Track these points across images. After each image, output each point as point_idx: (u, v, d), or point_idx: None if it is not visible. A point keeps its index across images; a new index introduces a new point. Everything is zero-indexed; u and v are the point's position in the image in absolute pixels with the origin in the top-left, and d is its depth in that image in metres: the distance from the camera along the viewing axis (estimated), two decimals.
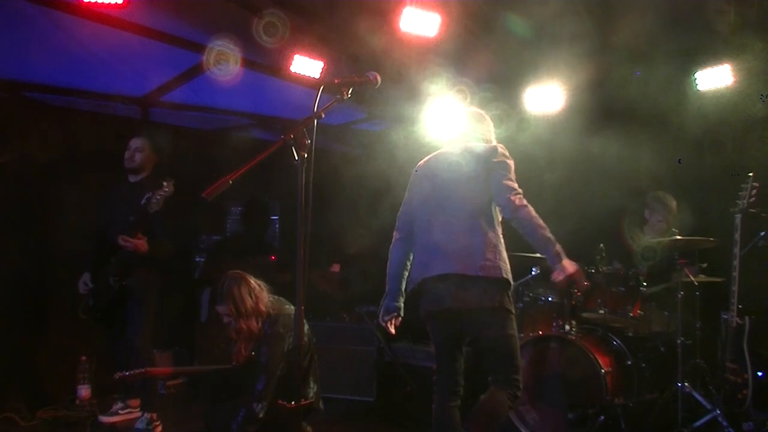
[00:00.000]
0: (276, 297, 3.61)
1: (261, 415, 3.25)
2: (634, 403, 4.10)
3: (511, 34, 4.35)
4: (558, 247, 2.99)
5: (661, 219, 4.67)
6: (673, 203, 4.68)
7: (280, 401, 3.31)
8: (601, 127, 4.94)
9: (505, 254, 3.09)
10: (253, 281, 3.51)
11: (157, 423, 4.32)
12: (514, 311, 3.11)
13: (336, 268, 6.01)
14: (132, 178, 4.53)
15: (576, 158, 5.12)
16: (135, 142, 4.49)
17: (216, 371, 3.84)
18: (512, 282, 3.10)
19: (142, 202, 4.13)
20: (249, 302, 3.42)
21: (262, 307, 3.46)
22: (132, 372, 3.67)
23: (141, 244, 4.18)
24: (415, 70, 4.92)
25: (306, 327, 3.53)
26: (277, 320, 3.45)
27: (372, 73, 2.59)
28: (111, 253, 4.30)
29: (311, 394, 3.55)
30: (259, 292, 3.49)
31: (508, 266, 3.08)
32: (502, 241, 3.13)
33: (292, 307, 3.47)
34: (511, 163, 3.18)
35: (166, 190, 4.05)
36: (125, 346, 4.33)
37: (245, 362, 3.47)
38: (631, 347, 4.35)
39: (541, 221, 3.03)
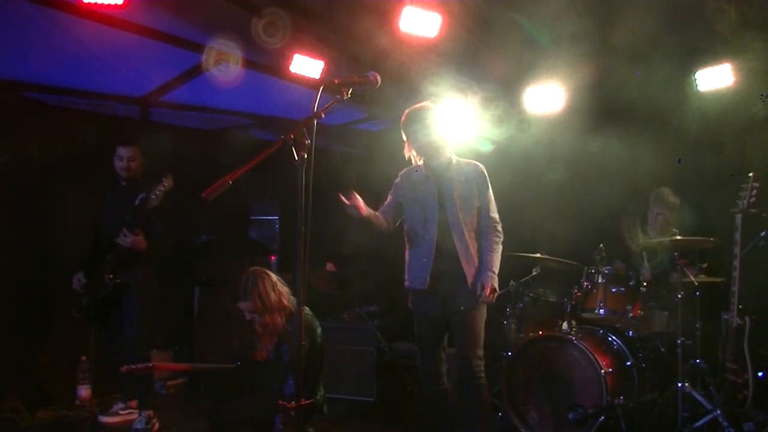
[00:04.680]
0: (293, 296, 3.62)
1: None
2: (634, 403, 4.10)
3: (512, 33, 4.34)
4: None
5: (660, 212, 4.66)
6: (672, 198, 4.66)
7: (281, 401, 3.31)
8: (601, 127, 4.93)
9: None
10: (274, 276, 3.55)
11: (155, 420, 4.34)
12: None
13: (330, 267, 5.99)
14: (124, 181, 4.58)
15: (576, 158, 5.12)
16: (125, 152, 4.48)
17: (221, 369, 3.85)
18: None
19: (136, 202, 4.21)
20: (273, 297, 3.46)
21: (285, 302, 3.50)
22: (138, 366, 3.69)
23: (140, 240, 4.23)
24: (415, 70, 4.91)
25: (319, 329, 3.55)
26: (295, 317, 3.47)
27: (372, 73, 2.60)
28: (107, 252, 4.33)
29: (319, 396, 3.55)
30: (281, 287, 3.53)
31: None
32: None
33: (307, 307, 3.49)
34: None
35: (165, 185, 4.15)
36: (122, 343, 4.34)
37: (265, 359, 3.48)
38: (631, 347, 4.35)
39: None
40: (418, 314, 3.70)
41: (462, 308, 3.53)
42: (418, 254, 3.62)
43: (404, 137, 3.69)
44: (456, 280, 3.55)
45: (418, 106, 3.66)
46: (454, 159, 3.71)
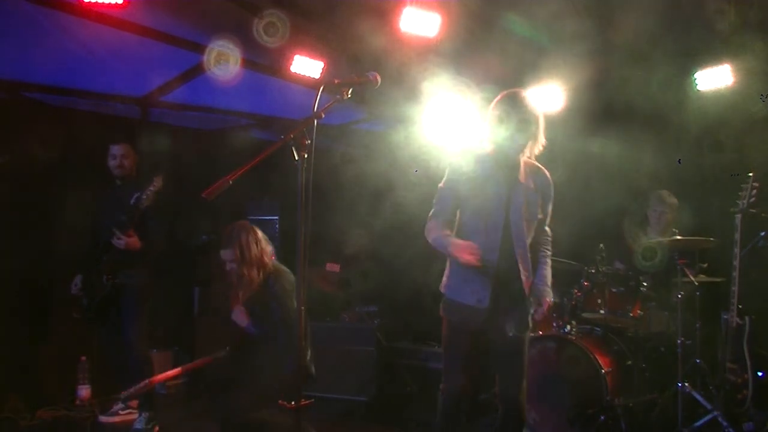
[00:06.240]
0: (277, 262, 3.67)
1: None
2: (634, 403, 4.10)
3: (512, 33, 4.34)
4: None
5: (662, 212, 4.67)
6: (672, 199, 4.68)
7: (280, 401, 3.31)
8: (601, 127, 4.94)
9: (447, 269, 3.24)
10: (260, 233, 3.59)
11: (155, 421, 4.34)
12: (443, 317, 3.22)
13: (335, 267, 6.00)
14: (119, 180, 4.59)
15: (576, 158, 5.12)
16: (118, 150, 4.48)
17: (213, 360, 3.85)
18: (443, 293, 3.21)
19: (132, 201, 4.23)
20: (254, 250, 3.50)
21: (266, 259, 3.55)
22: (136, 387, 3.73)
23: (133, 241, 4.25)
24: (415, 70, 4.91)
25: (292, 276, 3.56)
26: (280, 276, 3.54)
27: (372, 73, 2.59)
28: (103, 252, 4.34)
29: (308, 358, 3.54)
30: (265, 244, 3.58)
31: (444, 278, 3.23)
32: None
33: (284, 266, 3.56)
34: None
35: (156, 185, 4.19)
36: (121, 344, 4.35)
37: (240, 343, 3.49)
38: (631, 347, 4.35)
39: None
40: (455, 325, 3.14)
41: (510, 334, 3.03)
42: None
43: (485, 119, 3.18)
44: (513, 298, 3.09)
45: (515, 90, 3.15)
46: (524, 160, 3.23)
